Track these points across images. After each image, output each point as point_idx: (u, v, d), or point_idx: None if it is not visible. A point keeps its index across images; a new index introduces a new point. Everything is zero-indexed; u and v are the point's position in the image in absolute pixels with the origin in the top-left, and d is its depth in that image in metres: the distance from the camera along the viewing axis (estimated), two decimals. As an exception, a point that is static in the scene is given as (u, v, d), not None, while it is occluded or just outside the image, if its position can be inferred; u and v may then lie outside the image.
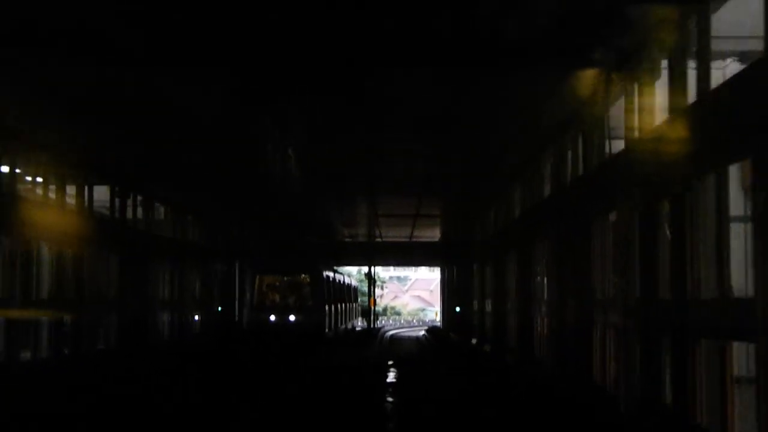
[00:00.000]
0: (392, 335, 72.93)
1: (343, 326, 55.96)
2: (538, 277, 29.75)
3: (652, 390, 16.69)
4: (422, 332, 77.86)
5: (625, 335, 18.35)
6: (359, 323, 74.82)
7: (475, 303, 50.20)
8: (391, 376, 32.51)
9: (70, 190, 31.14)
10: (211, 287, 49.68)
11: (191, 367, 34.75)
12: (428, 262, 76.60)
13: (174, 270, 43.48)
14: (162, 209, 42.63)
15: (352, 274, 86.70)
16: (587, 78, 19.38)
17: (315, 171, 33.11)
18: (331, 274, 50.00)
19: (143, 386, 27.49)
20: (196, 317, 47.85)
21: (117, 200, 35.52)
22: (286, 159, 29.38)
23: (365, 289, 72.50)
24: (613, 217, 19.81)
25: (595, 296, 21.34)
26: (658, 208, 16.58)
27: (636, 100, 17.61)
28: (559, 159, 25.83)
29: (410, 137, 27.05)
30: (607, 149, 20.27)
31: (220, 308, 51.09)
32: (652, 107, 17.01)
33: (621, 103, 18.92)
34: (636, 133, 17.74)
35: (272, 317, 43.59)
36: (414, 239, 61.69)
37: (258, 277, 45.07)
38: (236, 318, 52.38)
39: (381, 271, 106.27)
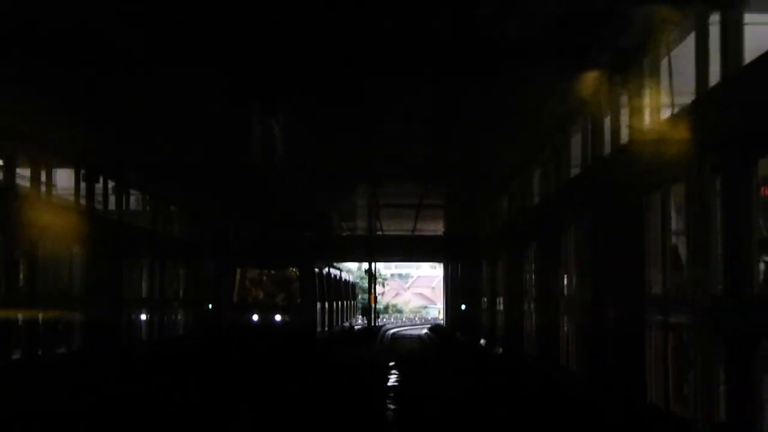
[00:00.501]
0: (394, 334, 71.18)
1: (340, 326, 51.28)
2: (566, 271, 25.52)
3: (743, 414, 12.53)
4: (425, 330, 76.02)
5: (698, 341, 14.18)
6: (359, 322, 71.37)
7: (484, 301, 46.25)
8: (393, 379, 29.68)
9: (23, 171, 27.31)
10: (200, 283, 45.69)
11: (165, 371, 31.29)
12: (431, 257, 73.07)
13: (154, 265, 39.65)
14: (140, 198, 38.76)
15: (352, 270, 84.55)
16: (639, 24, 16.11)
17: (310, 157, 31.00)
18: (325, 269, 45.24)
19: (103, 394, 24.53)
20: (183, 316, 44.11)
21: (83, 185, 31.51)
22: (277, 144, 27.25)
23: (366, 285, 68.89)
24: (678, 189, 15.59)
25: (649, 291, 17.12)
26: (752, 170, 12.43)
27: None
28: (593, 129, 21.67)
29: (413, 126, 25.76)
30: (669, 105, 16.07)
31: (210, 306, 47.11)
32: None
33: (690, 41, 14.79)
34: (719, 78, 13.57)
35: (255, 317, 38.72)
36: (417, 233, 58.46)
37: (239, 270, 40.07)
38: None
39: (382, 268, 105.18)
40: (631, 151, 18.28)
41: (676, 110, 16.03)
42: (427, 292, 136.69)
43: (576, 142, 24.34)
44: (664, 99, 16.38)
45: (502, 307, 39.31)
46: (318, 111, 23.61)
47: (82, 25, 16.71)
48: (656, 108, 16.88)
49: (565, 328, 25.47)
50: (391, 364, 35.25)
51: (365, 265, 65.54)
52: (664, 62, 16.47)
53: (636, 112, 17.94)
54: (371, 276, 60.80)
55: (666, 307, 16.10)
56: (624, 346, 18.31)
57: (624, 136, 19.14)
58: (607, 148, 20.69)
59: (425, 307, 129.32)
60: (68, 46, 17.58)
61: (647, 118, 17.36)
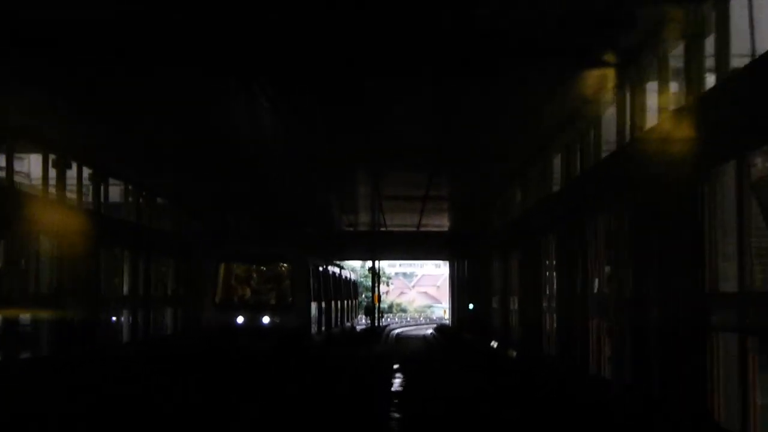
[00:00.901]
0: (398, 334, 69.68)
1: (339, 326, 47.77)
2: (595, 266, 22.34)
3: None
4: (430, 331, 74.42)
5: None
6: (361, 322, 68.66)
7: (495, 300, 43.25)
8: (397, 384, 27.10)
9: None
10: (191, 280, 42.70)
11: (143, 376, 28.12)
12: (436, 255, 70.64)
13: (138, 259, 36.78)
14: (121, 188, 36.04)
15: (355, 269, 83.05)
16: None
17: (309, 148, 29.42)
18: (322, 265, 41.59)
19: (67, 404, 21.58)
20: (171, 315, 41.72)
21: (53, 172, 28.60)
22: (267, 129, 26.12)
23: (369, 284, 66.44)
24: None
25: (715, 288, 13.92)
26: None
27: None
28: (633, 98, 18.52)
29: (416, 116, 24.99)
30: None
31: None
32: None
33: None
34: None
35: (240, 318, 35.01)
36: (422, 228, 56.75)
37: (223, 265, 36.30)
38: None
39: (386, 267, 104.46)
40: (687, 120, 15.07)
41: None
42: (432, 291, 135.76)
43: (609, 118, 21.21)
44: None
45: (516, 307, 36.34)
46: (318, 110, 23.70)
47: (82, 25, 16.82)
48: (724, 60, 13.72)
49: (595, 331, 22.30)
50: (396, 366, 32.91)
51: (369, 263, 63.06)
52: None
53: (695, 65, 14.77)
54: (375, 274, 58.15)
55: (743, 307, 12.88)
56: (678, 353, 15.14)
57: (676, 101, 16.01)
58: (651, 121, 17.54)
59: (430, 307, 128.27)
60: (60, 40, 17.56)
61: (712, 76, 14.21)
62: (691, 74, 15.09)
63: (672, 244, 15.66)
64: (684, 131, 14.94)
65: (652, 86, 17.66)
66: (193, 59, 18.86)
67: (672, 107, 16.35)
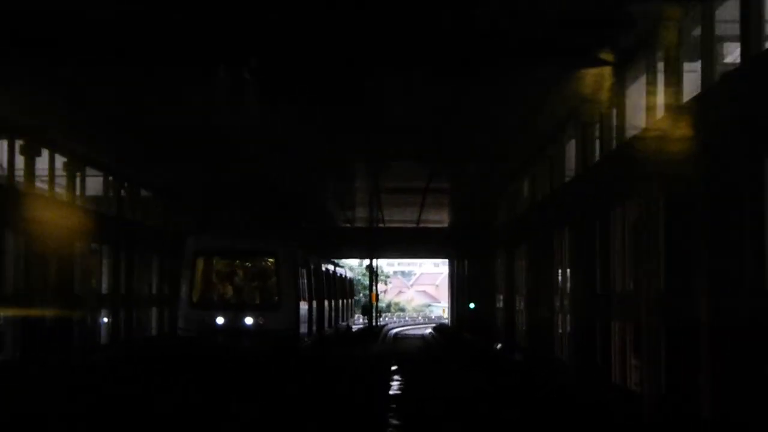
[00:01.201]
0: (396, 334, 68.40)
1: (333, 327, 45.44)
2: (620, 262, 20.17)
3: None
4: (429, 330, 73.49)
5: None
6: (358, 321, 66.96)
7: (499, 299, 41.44)
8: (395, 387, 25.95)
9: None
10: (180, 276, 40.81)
11: (119, 380, 26.30)
12: (436, 251, 69.39)
13: (119, 255, 35.00)
14: (103, 180, 34.22)
15: (353, 268, 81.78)
16: None
17: (308, 145, 29.46)
18: (314, 261, 39.12)
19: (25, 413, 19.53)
20: (156, 314, 40.20)
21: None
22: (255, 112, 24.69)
23: (367, 283, 64.91)
24: None
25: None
26: None
27: None
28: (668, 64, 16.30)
29: (418, 107, 24.57)
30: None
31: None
32: None
33: None
34: None
35: (219, 319, 32.32)
36: (421, 224, 55.68)
37: (202, 260, 33.59)
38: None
39: (385, 265, 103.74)
40: (740, 87, 12.77)
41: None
42: (430, 290, 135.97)
43: (635, 92, 18.98)
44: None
45: (522, 306, 34.81)
46: (318, 110, 23.80)
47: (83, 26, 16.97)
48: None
49: (618, 333, 20.10)
50: (394, 368, 31.60)
51: (366, 262, 61.50)
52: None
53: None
54: (372, 272, 56.30)
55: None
56: (729, 361, 12.85)
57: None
58: (691, 90, 15.33)
59: (429, 306, 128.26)
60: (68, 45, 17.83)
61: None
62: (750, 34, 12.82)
63: (719, 236, 13.40)
64: (739, 96, 12.68)
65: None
66: (193, 59, 18.89)
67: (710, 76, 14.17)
